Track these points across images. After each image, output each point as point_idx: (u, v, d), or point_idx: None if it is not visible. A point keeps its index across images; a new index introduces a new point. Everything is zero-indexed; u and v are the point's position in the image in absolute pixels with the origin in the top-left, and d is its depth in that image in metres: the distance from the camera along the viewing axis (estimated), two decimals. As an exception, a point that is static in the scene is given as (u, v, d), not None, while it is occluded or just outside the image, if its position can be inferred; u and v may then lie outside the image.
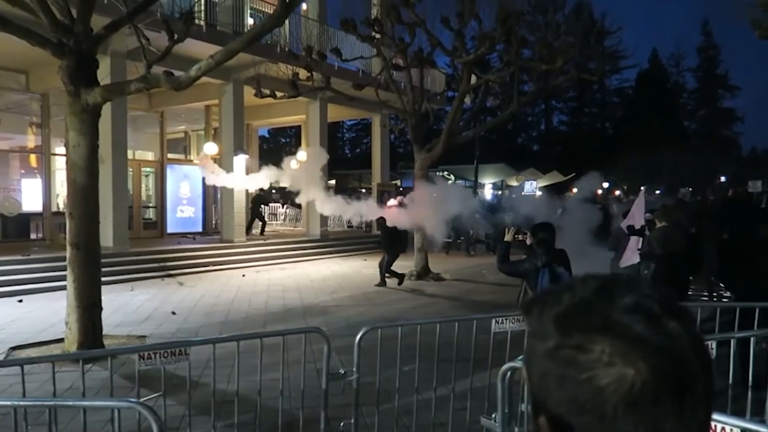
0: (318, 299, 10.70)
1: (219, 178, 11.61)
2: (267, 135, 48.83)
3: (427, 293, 11.62)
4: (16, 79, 15.04)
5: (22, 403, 2.65)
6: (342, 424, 4.01)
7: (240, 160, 15.54)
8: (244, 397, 3.93)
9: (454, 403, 4.14)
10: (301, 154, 20.25)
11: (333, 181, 28.17)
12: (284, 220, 23.53)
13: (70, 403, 2.93)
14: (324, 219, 18.69)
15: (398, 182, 34.75)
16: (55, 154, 16.08)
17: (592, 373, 0.60)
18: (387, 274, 12.18)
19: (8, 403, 2.69)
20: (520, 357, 3.51)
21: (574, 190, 34.68)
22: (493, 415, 3.25)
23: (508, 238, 5.03)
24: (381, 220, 11.69)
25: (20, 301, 10.03)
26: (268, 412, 3.96)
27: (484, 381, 4.21)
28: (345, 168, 39.99)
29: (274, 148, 47.25)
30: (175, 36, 7.62)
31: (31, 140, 16.53)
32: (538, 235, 4.61)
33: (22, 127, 16.23)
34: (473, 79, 12.81)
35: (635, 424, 0.58)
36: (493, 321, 4.03)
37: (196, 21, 11.52)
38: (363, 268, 15.06)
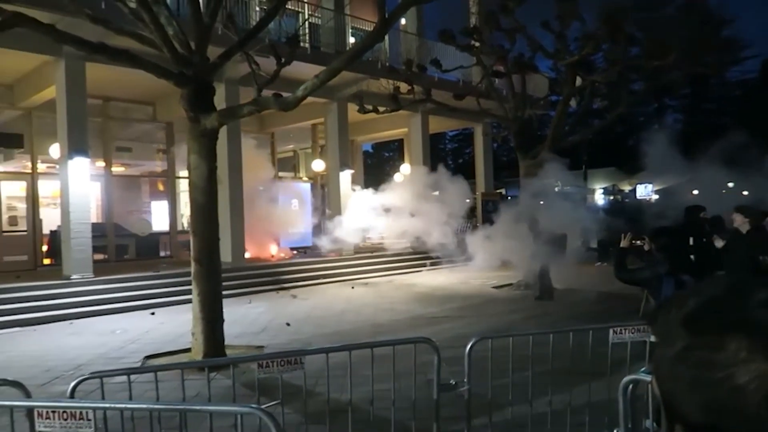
0: (426, 310, 10.71)
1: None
2: (371, 150, 49.90)
3: (536, 303, 11.27)
4: (145, 110, 16.47)
5: (156, 406, 2.87)
6: (454, 435, 3.97)
7: (345, 176, 15.97)
8: (357, 407, 3.99)
9: (571, 418, 3.96)
10: (405, 168, 20.50)
11: (437, 193, 28.19)
12: (388, 233, 23.81)
13: (198, 407, 3.13)
14: (430, 231, 18.69)
15: (503, 191, 34.13)
16: (179, 177, 17.38)
17: (728, 372, 0.55)
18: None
19: (145, 406, 2.91)
20: (642, 369, 3.31)
21: (695, 192, 32.25)
22: (614, 431, 3.08)
23: (624, 244, 4.76)
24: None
25: (152, 313, 10.89)
26: (380, 422, 4.00)
27: (602, 395, 4.00)
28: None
29: (378, 162, 48.14)
30: (282, 60, 8.02)
31: (158, 166, 17.99)
32: (660, 241, 4.32)
33: (150, 154, 17.71)
34: (578, 81, 12.35)
35: None
36: (611, 331, 3.83)
37: (301, 44, 12.08)
38: (471, 278, 14.89)
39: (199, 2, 6.60)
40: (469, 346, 3.83)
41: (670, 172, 30.48)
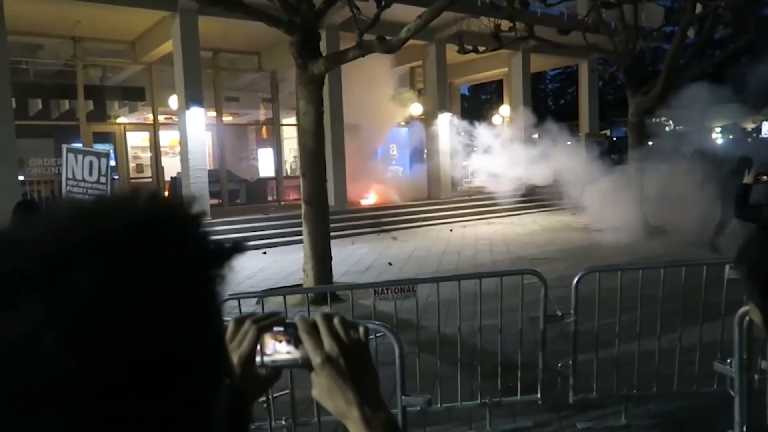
0: (526, 252, 10.70)
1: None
2: (467, 92, 48.82)
3: (644, 247, 10.89)
4: (250, 60, 17.12)
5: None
6: (560, 364, 4.09)
7: (444, 119, 15.91)
8: (465, 339, 4.19)
9: (680, 355, 3.95)
10: (504, 109, 20.04)
11: (537, 135, 27.37)
12: (487, 176, 23.56)
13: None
14: (531, 172, 18.35)
15: (608, 132, 32.45)
16: (284, 125, 18.07)
17: None
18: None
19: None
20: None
21: (832, 128, 28.92)
22: (729, 360, 3.06)
23: (747, 180, 4.53)
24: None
25: (264, 253, 11.67)
26: (487, 353, 4.20)
27: (715, 334, 3.94)
28: (549, 120, 38.39)
29: (475, 105, 47.11)
30: (383, 2, 8.04)
31: (263, 114, 18.77)
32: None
33: (255, 102, 18.48)
34: (698, 7, 11.39)
35: None
36: (727, 266, 3.73)
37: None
38: (572, 221, 14.58)
39: (304, -51, 6.74)
40: (576, 278, 3.89)
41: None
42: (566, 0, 12.76)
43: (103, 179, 3.96)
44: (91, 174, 4.07)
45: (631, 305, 4.06)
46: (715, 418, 3.68)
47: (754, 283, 0.77)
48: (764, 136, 31.26)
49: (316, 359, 0.75)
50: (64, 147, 4.23)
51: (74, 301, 0.40)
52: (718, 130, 31.85)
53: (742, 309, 2.96)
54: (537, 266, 9.29)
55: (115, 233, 0.44)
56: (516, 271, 4.41)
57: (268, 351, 0.79)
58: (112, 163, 15.72)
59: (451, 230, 13.93)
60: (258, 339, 0.79)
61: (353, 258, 10.79)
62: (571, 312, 3.89)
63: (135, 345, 0.42)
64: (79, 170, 4.07)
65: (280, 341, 0.79)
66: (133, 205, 0.48)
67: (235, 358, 0.78)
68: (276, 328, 0.80)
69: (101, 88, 15.67)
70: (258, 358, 0.80)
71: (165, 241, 0.46)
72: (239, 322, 0.81)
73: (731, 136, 31.98)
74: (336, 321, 0.78)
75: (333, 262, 8.11)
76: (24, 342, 0.39)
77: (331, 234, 8.46)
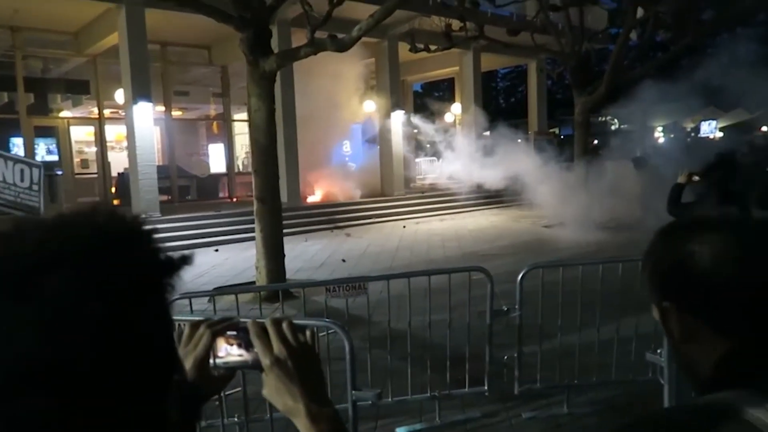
0: (477, 248, 10.93)
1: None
2: (420, 90, 49.12)
3: (589, 242, 11.27)
4: (201, 54, 16.81)
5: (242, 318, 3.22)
6: (506, 357, 4.24)
7: (397, 116, 16.02)
8: (415, 333, 4.29)
9: (618, 346, 4.16)
10: (456, 107, 20.34)
11: (488, 132, 27.88)
12: (440, 172, 23.86)
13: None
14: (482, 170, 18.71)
15: (557, 130, 33.33)
16: (235, 120, 17.82)
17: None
18: None
19: (229, 314, 3.27)
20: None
21: (764, 128, 30.52)
22: (659, 351, 3.25)
23: (681, 179, 4.77)
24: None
25: (216, 250, 11.52)
26: (436, 346, 4.31)
27: (649, 326, 4.16)
28: (500, 119, 39.12)
29: (428, 102, 47.48)
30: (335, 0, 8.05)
31: (214, 109, 18.47)
32: (712, 175, 4.33)
33: (206, 97, 18.17)
34: (639, 11, 11.85)
35: None
36: (661, 264, 3.94)
37: (353, -17, 11.96)
38: (521, 218, 14.95)
39: (255, -55, 6.69)
40: (521, 274, 4.04)
41: (739, 108, 28.88)
42: (515, 2, 13.03)
43: (35, 187, 3.88)
44: (22, 180, 3.99)
45: (572, 299, 4.24)
46: (650, 404, 3.89)
47: (652, 284, 0.87)
48: (702, 135, 32.70)
49: (265, 361, 0.81)
50: None
51: (49, 302, 0.48)
52: (660, 129, 33.15)
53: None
54: (487, 261, 9.53)
55: (80, 247, 0.51)
56: (464, 268, 4.54)
57: (221, 353, 0.85)
58: (54, 157, 15.32)
59: (404, 227, 14.08)
60: (212, 342, 0.85)
61: (307, 255, 10.78)
62: (516, 306, 4.04)
63: (97, 340, 0.49)
64: (9, 175, 3.98)
65: (233, 344, 0.85)
66: (94, 221, 0.55)
67: (191, 360, 0.85)
68: (229, 332, 0.86)
69: (43, 80, 15.09)
70: (212, 360, 0.85)
71: (122, 253, 0.53)
72: (195, 326, 0.87)
73: (672, 135, 33.35)
74: (285, 325, 0.84)
75: (286, 259, 8.10)
76: (9, 335, 0.48)
77: (285, 231, 8.45)
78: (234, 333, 0.85)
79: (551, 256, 9.87)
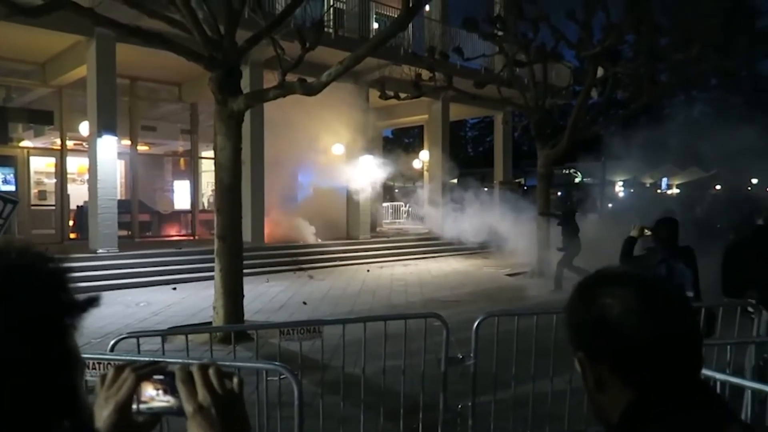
0: (439, 294, 10.94)
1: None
2: (390, 135, 49.89)
3: (547, 291, 11.41)
4: (170, 91, 16.79)
5: (190, 362, 3.13)
6: (459, 406, 4.20)
7: (366, 160, 16.18)
8: (369, 379, 4.23)
9: (571, 397, 4.17)
10: (424, 154, 20.66)
11: (455, 180, 28.37)
12: (407, 217, 24.07)
13: (228, 363, 3.39)
14: (447, 217, 18.94)
15: (522, 180, 34.06)
16: (202, 158, 17.72)
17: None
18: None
19: (180, 361, 3.18)
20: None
21: (717, 187, 31.74)
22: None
23: (633, 233, 4.93)
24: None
25: (174, 288, 11.26)
26: (390, 394, 4.25)
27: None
28: (468, 167, 39.87)
29: (397, 148, 48.11)
30: (307, 44, 8.20)
31: (181, 145, 18.34)
32: (659, 231, 4.51)
33: (174, 133, 18.05)
34: (600, 71, 12.38)
35: None
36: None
37: (326, 29, 12.24)
38: (484, 266, 15.08)
39: (228, -12, 6.81)
40: (476, 323, 4.05)
41: (696, 166, 30.05)
42: (483, 56, 13.47)
43: (1, 221, 3.75)
44: None
45: (527, 348, 4.25)
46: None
47: (570, 335, 0.90)
48: (662, 189, 33.83)
49: (188, 408, 0.79)
50: None
51: None
52: (621, 183, 34.19)
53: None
54: (448, 308, 9.53)
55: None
56: (420, 314, 4.53)
57: (145, 398, 0.83)
58: (11, 187, 14.92)
59: (368, 270, 14.03)
60: (135, 387, 0.83)
61: (267, 296, 10.62)
62: (471, 355, 4.03)
63: None
64: None
65: (159, 389, 0.83)
66: (7, 257, 0.55)
67: (112, 403, 0.82)
68: (156, 377, 0.83)
69: (4, 109, 14.80)
70: (135, 405, 0.83)
71: (27, 291, 0.53)
72: (119, 369, 0.85)
73: (632, 190, 34.41)
74: (211, 371, 0.82)
75: (246, 300, 7.96)
76: None
77: (247, 271, 8.34)
78: (161, 377, 0.83)
79: (511, 305, 9.95)
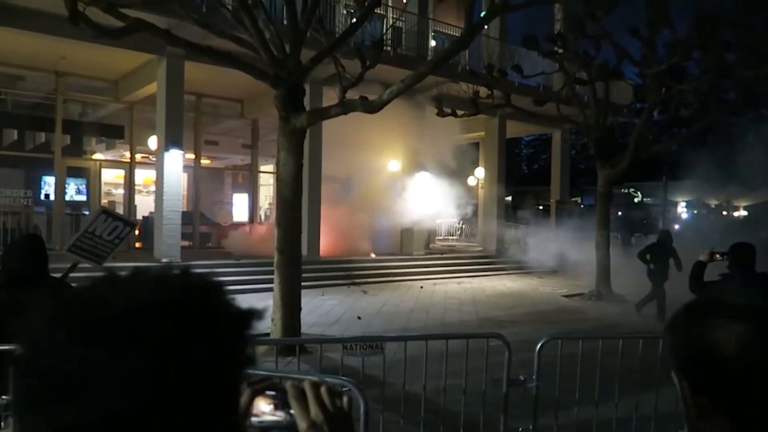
0: (494, 314, 10.80)
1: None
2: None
3: (607, 314, 11.08)
4: (233, 107, 17.36)
5: (252, 372, 3.21)
6: (520, 429, 4.13)
7: (421, 176, 16.25)
8: (429, 398, 4.22)
9: (636, 424, 4.04)
10: (479, 171, 20.53)
11: (509, 198, 28.00)
12: (460, 235, 23.90)
13: (294, 376, 3.45)
14: (501, 236, 18.75)
15: (578, 199, 33.34)
16: (261, 172, 18.20)
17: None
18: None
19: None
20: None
21: (788, 210, 30.15)
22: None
23: (703, 258, 4.76)
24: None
25: (233, 299, 11.52)
26: (450, 413, 4.22)
27: (671, 405, 4.05)
28: (522, 184, 39.33)
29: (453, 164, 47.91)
30: (367, 63, 8.35)
31: (241, 159, 18.90)
32: (734, 257, 4.32)
33: (235, 148, 18.63)
34: (664, 89, 12.05)
35: None
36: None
37: (385, 47, 12.42)
38: (540, 286, 14.80)
39: (296, 9, 7.02)
40: (539, 345, 3.99)
41: (766, 187, 28.71)
42: (543, 74, 13.34)
43: (117, 241, 4.05)
44: (109, 235, 4.16)
45: (590, 369, 4.15)
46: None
47: (673, 360, 0.90)
48: (727, 213, 32.42)
49: (302, 424, 0.82)
50: (100, 207, 4.40)
51: (159, 345, 0.54)
52: (684, 204, 32.98)
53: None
54: (503, 328, 9.39)
55: (179, 298, 0.58)
56: (482, 334, 4.50)
57: (257, 412, 0.85)
58: (83, 197, 15.73)
59: (421, 287, 14.00)
60: (251, 401, 0.87)
61: (322, 309, 10.74)
62: (534, 377, 3.97)
63: (196, 382, 0.55)
64: (101, 229, 4.15)
65: (270, 404, 0.86)
66: (183, 277, 0.62)
67: None
68: (268, 392, 0.87)
69: (80, 123, 15.64)
70: (247, 419, 0.87)
71: (211, 305, 0.60)
72: None
73: (695, 211, 33.13)
74: (323, 389, 0.85)
75: (302, 313, 8.08)
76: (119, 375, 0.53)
77: (303, 284, 8.48)
78: (273, 393, 0.85)
79: (568, 326, 9.72)
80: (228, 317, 0.61)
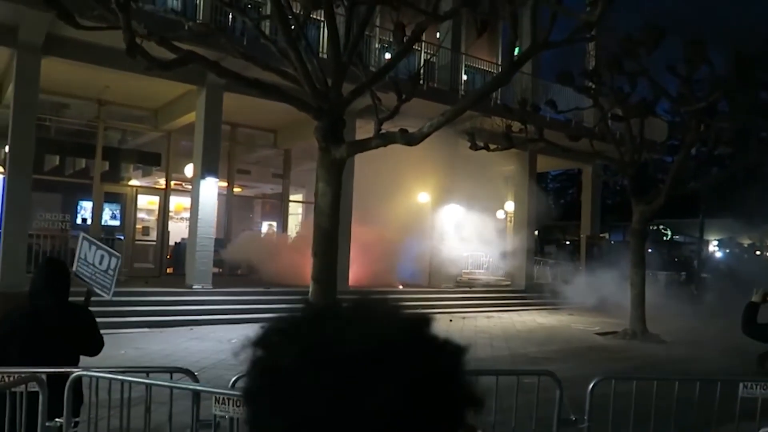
0: (526, 350, 10.61)
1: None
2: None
3: (644, 354, 10.81)
4: (267, 137, 17.67)
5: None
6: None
7: (450, 209, 16.23)
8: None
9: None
10: (509, 205, 20.45)
11: (536, 232, 27.74)
12: (487, 268, 23.67)
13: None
14: (530, 270, 18.56)
15: (607, 235, 32.89)
16: (292, 201, 18.37)
17: None
18: None
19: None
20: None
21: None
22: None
23: (756, 298, 4.63)
24: None
25: (263, 327, 11.53)
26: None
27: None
28: (549, 219, 38.93)
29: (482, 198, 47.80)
30: (403, 96, 8.46)
31: (271, 188, 19.13)
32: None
33: (266, 177, 18.88)
34: (702, 126, 11.94)
35: None
36: (741, 385, 3.76)
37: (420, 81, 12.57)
38: (572, 323, 14.54)
39: (339, 42, 7.17)
40: (592, 384, 3.89)
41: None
42: (577, 109, 13.35)
43: (111, 272, 4.14)
44: (100, 263, 4.29)
45: (643, 414, 4.03)
46: None
47: None
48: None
49: None
50: (81, 235, 4.48)
51: (401, 380, 0.54)
52: (716, 243, 32.34)
53: (764, 429, 2.98)
54: (537, 365, 9.21)
55: (408, 337, 0.59)
56: (532, 371, 4.41)
57: None
58: (116, 222, 16.02)
59: (450, 320, 13.85)
60: None
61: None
62: (585, 417, 3.87)
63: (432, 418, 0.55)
64: (91, 256, 4.29)
65: None
66: (395, 313, 0.62)
67: None
68: None
69: (119, 150, 16.04)
70: None
71: (432, 345, 0.61)
72: None
73: (727, 250, 32.44)
74: None
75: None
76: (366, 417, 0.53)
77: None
78: None
79: (606, 366, 9.47)
80: (452, 353, 0.61)
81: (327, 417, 0.53)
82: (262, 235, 18.78)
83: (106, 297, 4.33)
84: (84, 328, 3.57)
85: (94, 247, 4.28)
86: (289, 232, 18.92)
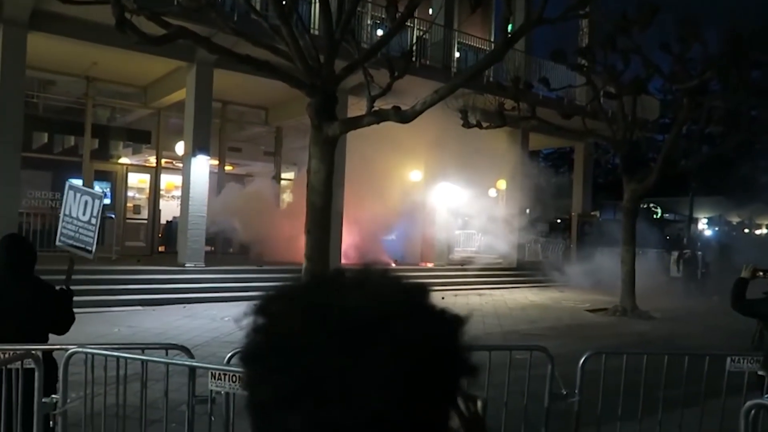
0: (518, 327, 10.73)
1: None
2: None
3: (634, 331, 10.97)
4: (258, 114, 17.52)
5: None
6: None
7: (444, 188, 16.23)
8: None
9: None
10: (500, 183, 20.46)
11: (528, 210, 27.80)
12: (479, 246, 23.78)
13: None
14: (521, 248, 18.67)
15: (598, 213, 33.07)
16: (283, 179, 18.29)
17: None
18: None
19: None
20: (767, 396, 3.33)
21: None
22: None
23: (745, 274, 4.69)
24: None
25: (255, 305, 11.57)
26: (490, 427, 4.17)
27: (714, 424, 4.00)
28: (540, 197, 39.00)
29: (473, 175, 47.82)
30: (396, 73, 8.39)
31: (263, 167, 19.00)
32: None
33: (257, 155, 18.74)
34: (694, 105, 11.95)
35: None
36: (728, 359, 3.83)
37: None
38: (563, 300, 14.68)
39: (332, 19, 7.08)
40: (583, 359, 3.95)
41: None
42: (570, 87, 13.30)
43: (93, 220, 4.00)
44: (84, 214, 4.16)
45: (633, 388, 4.10)
46: None
47: None
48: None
49: None
50: (68, 183, 4.32)
51: (402, 344, 0.56)
52: (705, 221, 32.61)
53: (750, 402, 3.04)
54: (530, 341, 9.31)
55: (402, 304, 0.60)
56: (525, 346, 4.46)
57: None
58: (107, 201, 15.89)
59: (442, 298, 13.94)
60: None
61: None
62: (576, 391, 3.93)
63: (433, 384, 0.56)
64: (75, 208, 4.16)
65: None
66: (396, 281, 0.63)
67: None
68: None
69: (108, 128, 15.87)
70: None
71: (434, 313, 0.63)
72: None
73: (717, 228, 32.75)
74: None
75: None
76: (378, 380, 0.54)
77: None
78: None
79: (597, 342, 9.59)
80: (451, 321, 0.62)
81: (330, 374, 0.54)
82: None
83: (90, 257, 4.23)
84: (46, 305, 3.47)
85: (78, 195, 4.20)
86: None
